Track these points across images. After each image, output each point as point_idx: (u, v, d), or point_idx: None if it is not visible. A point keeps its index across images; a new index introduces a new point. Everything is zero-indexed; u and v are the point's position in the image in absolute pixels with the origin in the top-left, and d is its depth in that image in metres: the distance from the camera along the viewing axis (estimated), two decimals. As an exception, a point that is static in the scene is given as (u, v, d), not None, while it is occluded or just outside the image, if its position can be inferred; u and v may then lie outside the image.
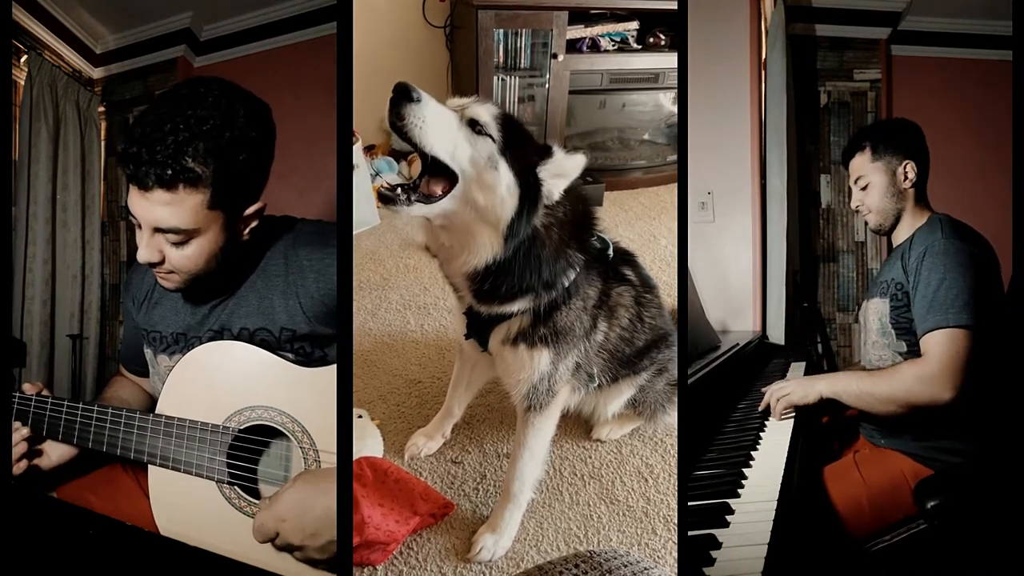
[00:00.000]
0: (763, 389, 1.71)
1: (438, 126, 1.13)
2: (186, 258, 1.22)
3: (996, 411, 1.43)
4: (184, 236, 1.19)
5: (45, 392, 1.34)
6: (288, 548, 1.13)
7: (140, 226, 1.20)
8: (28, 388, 1.33)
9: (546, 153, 1.25)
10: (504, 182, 1.19)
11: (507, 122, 1.22)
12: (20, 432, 1.30)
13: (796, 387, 1.56)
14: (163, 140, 1.12)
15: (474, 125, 1.18)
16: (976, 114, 2.37)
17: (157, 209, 1.16)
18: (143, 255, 1.21)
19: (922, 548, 1.35)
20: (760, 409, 1.62)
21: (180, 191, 1.15)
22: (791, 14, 2.42)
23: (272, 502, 1.13)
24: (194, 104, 1.16)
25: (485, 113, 1.19)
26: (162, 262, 1.22)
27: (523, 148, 1.23)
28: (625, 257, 1.57)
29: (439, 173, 1.18)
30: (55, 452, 1.33)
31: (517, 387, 1.43)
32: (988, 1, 2.33)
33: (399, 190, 1.17)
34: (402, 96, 1.11)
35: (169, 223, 1.17)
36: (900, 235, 1.61)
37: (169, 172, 1.13)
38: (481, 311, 1.36)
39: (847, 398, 1.49)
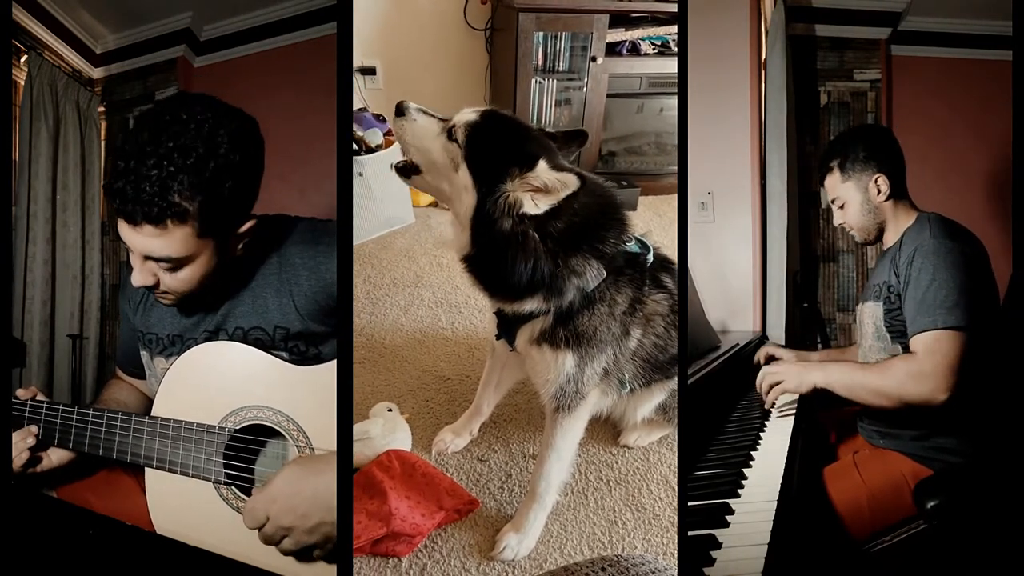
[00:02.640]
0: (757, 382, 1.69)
1: (415, 134, 1.38)
2: (180, 281, 1.22)
3: (994, 411, 1.42)
4: (176, 263, 1.19)
5: (40, 396, 1.33)
6: (277, 533, 1.12)
7: (131, 251, 1.20)
8: (22, 393, 1.33)
9: (526, 163, 1.26)
10: (462, 183, 1.32)
11: (480, 131, 1.33)
12: (28, 440, 1.29)
13: (791, 376, 1.54)
14: (148, 177, 1.11)
15: (449, 133, 1.35)
16: (976, 114, 2.37)
17: (147, 241, 1.16)
18: (137, 280, 1.21)
19: (922, 549, 1.34)
20: (756, 389, 1.60)
21: (168, 226, 1.14)
22: (791, 14, 2.41)
23: (264, 486, 1.13)
24: (175, 134, 1.13)
25: (460, 122, 1.35)
26: (156, 285, 1.23)
27: (492, 157, 1.30)
28: (665, 264, 1.55)
29: None
30: (55, 455, 1.32)
31: (545, 387, 1.44)
32: (988, 1, 2.33)
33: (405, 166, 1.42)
34: (396, 111, 1.39)
35: (160, 253, 1.17)
36: (889, 239, 1.60)
37: (156, 210, 1.12)
38: (503, 310, 1.40)
39: (840, 389, 1.48)
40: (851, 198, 1.62)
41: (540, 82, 3.10)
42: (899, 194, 1.60)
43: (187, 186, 1.13)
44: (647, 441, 1.80)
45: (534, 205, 1.26)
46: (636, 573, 0.76)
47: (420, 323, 2.31)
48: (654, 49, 3.17)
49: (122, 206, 1.13)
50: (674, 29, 3.17)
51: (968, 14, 2.46)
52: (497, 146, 1.32)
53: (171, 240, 1.16)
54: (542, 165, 1.26)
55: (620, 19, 3.07)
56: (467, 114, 1.35)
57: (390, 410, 1.73)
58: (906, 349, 1.46)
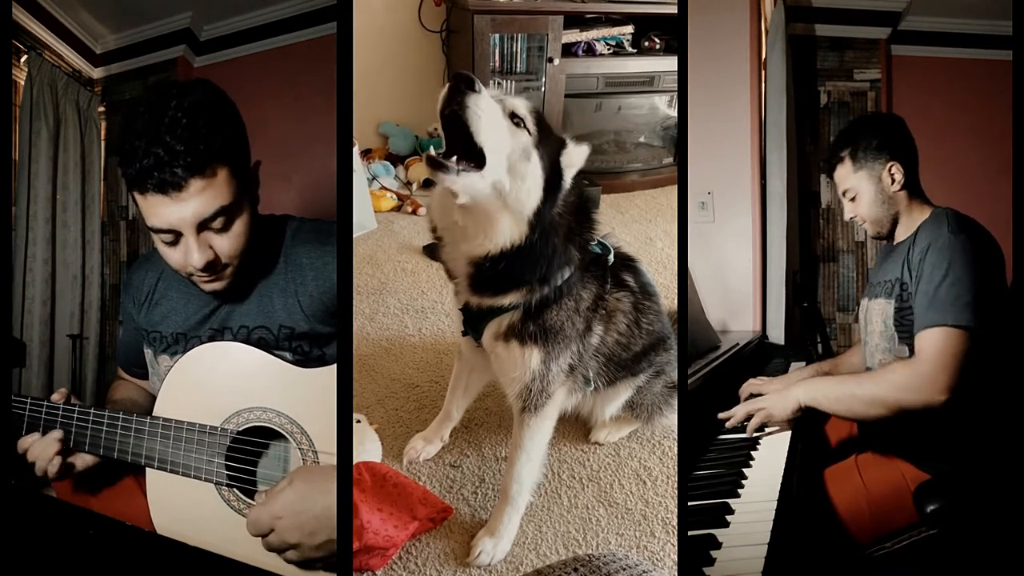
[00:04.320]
0: (740, 392, 1.66)
1: (490, 117, 1.19)
2: (236, 237, 1.23)
3: (996, 415, 1.40)
4: (226, 218, 1.20)
5: (74, 400, 1.33)
6: (282, 546, 1.12)
7: (176, 237, 1.19)
8: (56, 398, 1.31)
9: (562, 144, 1.32)
10: (534, 173, 1.25)
11: (540, 117, 1.30)
12: (55, 446, 1.28)
13: (773, 401, 1.49)
14: (172, 133, 1.13)
15: (513, 117, 1.25)
16: (976, 114, 2.37)
17: (195, 203, 1.16)
18: (198, 259, 1.20)
19: (926, 555, 1.32)
20: (730, 424, 1.54)
21: (211, 173, 1.16)
22: (791, 14, 2.41)
23: (269, 498, 1.13)
24: (166, 97, 1.17)
25: (523, 107, 1.27)
26: (215, 260, 1.22)
27: (551, 141, 1.30)
28: (627, 263, 1.57)
29: (469, 157, 1.20)
30: (81, 459, 1.31)
31: (512, 386, 1.44)
32: (988, 1, 2.33)
33: (453, 158, 1.19)
34: (466, 84, 1.17)
35: (211, 208, 1.18)
36: (901, 232, 1.57)
37: (198, 158, 1.14)
38: (473, 304, 1.37)
39: (827, 404, 1.44)
40: (864, 189, 1.57)
41: (499, 83, 3.11)
42: (913, 186, 1.56)
43: (206, 128, 1.15)
44: (617, 437, 1.80)
45: (570, 181, 1.31)
46: (608, 571, 0.77)
47: (386, 331, 2.28)
48: (609, 49, 3.22)
49: (160, 175, 1.13)
50: (627, 29, 3.24)
51: (968, 14, 2.46)
52: (551, 131, 1.32)
53: (218, 189, 1.17)
54: (570, 142, 1.32)
55: (574, 20, 3.11)
56: (516, 99, 1.28)
57: (358, 421, 1.71)
58: (912, 351, 1.44)
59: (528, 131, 1.25)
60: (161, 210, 1.16)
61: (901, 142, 1.57)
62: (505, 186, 1.22)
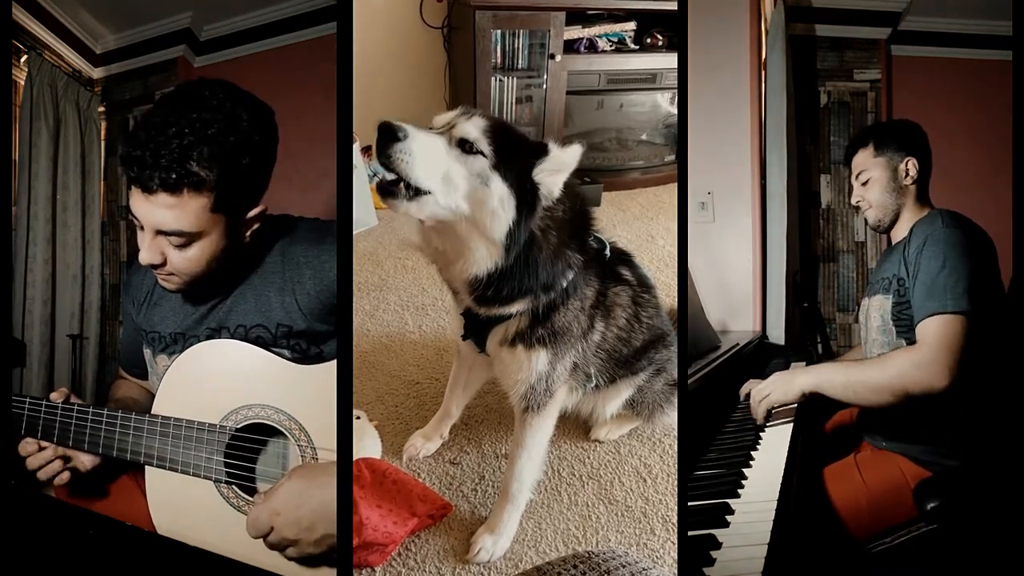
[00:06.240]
0: (741, 391, 1.67)
1: (425, 158, 1.14)
2: (187, 260, 1.22)
3: (994, 405, 1.41)
4: (186, 239, 1.20)
5: (73, 399, 1.32)
6: (282, 544, 1.12)
7: (142, 227, 1.21)
8: (55, 396, 1.31)
9: (542, 152, 1.25)
10: (496, 196, 1.20)
11: (498, 134, 1.22)
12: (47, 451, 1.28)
13: (776, 385, 1.51)
14: (167, 144, 1.13)
15: (464, 144, 1.19)
16: (976, 114, 2.37)
17: (160, 212, 1.17)
18: (145, 257, 1.22)
19: (924, 550, 1.33)
20: (740, 412, 1.57)
21: (184, 195, 1.15)
22: (791, 14, 2.41)
23: (267, 496, 1.13)
24: (198, 107, 1.17)
25: (474, 130, 1.20)
26: (163, 264, 1.23)
27: (518, 156, 1.23)
28: (622, 257, 1.58)
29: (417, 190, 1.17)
30: (86, 459, 1.31)
31: (515, 388, 1.44)
32: (988, 1, 2.33)
33: (401, 184, 1.16)
34: (387, 136, 1.12)
35: (172, 226, 1.18)
36: (899, 232, 1.61)
37: (174, 176, 1.13)
38: (479, 313, 1.36)
39: (832, 390, 1.45)
40: (878, 175, 1.63)
41: (500, 80, 3.11)
42: (921, 188, 1.62)
43: (206, 156, 1.15)
44: (617, 435, 1.81)
45: (559, 188, 1.24)
46: (607, 568, 0.77)
47: (386, 327, 2.29)
48: (611, 46, 3.21)
49: (139, 173, 1.14)
50: (630, 26, 3.23)
51: (968, 14, 2.46)
52: (519, 144, 1.25)
53: (185, 212, 1.17)
54: (554, 147, 1.25)
55: (577, 16, 3.11)
56: (467, 122, 1.21)
57: (358, 418, 1.71)
58: (910, 343, 1.45)
59: (482, 154, 1.19)
60: (135, 197, 1.18)
61: (922, 147, 1.65)
62: (465, 211, 1.19)
